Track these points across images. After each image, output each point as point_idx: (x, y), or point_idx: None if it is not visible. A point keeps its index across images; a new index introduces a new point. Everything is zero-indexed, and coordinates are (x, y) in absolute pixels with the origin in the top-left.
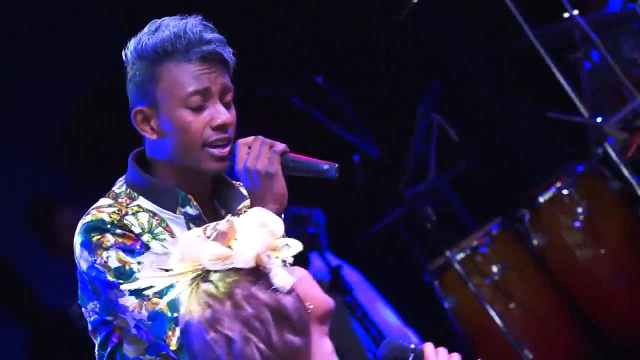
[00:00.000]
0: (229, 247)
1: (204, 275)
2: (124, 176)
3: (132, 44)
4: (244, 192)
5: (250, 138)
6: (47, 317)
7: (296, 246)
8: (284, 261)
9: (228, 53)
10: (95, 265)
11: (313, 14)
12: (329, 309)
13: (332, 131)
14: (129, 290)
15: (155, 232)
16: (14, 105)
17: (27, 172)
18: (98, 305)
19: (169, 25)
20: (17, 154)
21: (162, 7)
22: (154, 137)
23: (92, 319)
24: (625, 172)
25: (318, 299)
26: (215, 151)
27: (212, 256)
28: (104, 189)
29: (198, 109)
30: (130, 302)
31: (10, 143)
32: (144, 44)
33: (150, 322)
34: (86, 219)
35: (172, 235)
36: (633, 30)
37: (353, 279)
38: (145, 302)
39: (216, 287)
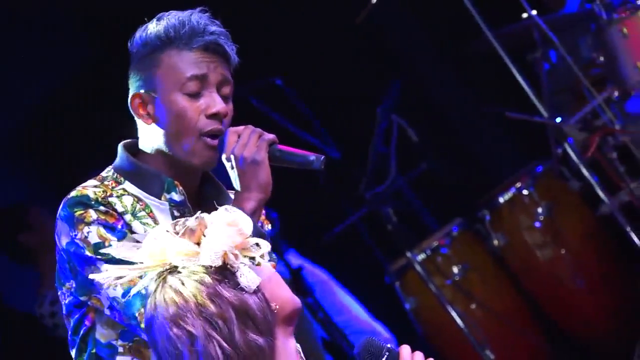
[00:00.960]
0: (197, 244)
1: (171, 271)
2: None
3: (138, 32)
4: (232, 196)
5: (241, 127)
6: (14, 318)
7: (265, 246)
8: (252, 259)
9: (231, 48)
10: (75, 240)
11: (272, 15)
12: (296, 309)
13: (291, 133)
14: (105, 266)
15: (138, 215)
16: None
17: None
18: (74, 286)
19: (176, 15)
20: None
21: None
22: (149, 122)
23: (67, 301)
24: (585, 172)
25: (285, 299)
26: (208, 140)
27: (178, 252)
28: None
29: (194, 96)
30: (106, 279)
31: None
32: (148, 31)
33: (124, 300)
34: (70, 194)
35: (155, 221)
36: (591, 31)
37: (319, 277)
38: (120, 280)
39: (182, 283)
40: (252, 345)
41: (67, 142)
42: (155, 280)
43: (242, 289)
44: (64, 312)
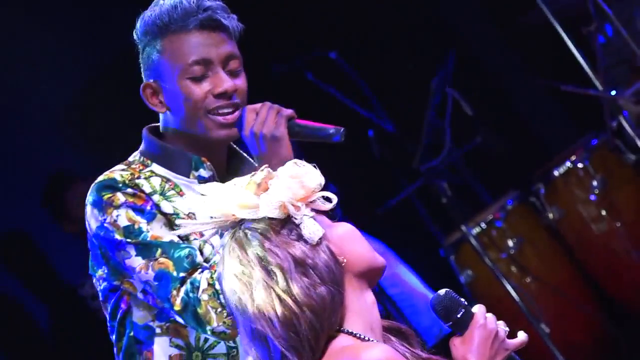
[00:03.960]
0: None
1: (240, 224)
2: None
3: (138, 22)
4: None
5: (258, 104)
6: (62, 295)
7: (334, 199)
8: (326, 212)
9: (230, 20)
10: (105, 225)
11: None
12: (373, 267)
13: (346, 106)
14: (136, 251)
15: (167, 195)
16: (27, 83)
17: (44, 150)
18: (106, 271)
19: None
20: (32, 132)
21: None
22: (163, 110)
23: (101, 287)
24: None
25: (358, 254)
26: (220, 118)
27: (240, 205)
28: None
29: (200, 79)
30: (137, 263)
31: (25, 121)
32: (146, 19)
33: (156, 283)
34: (98, 179)
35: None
36: None
37: (374, 248)
38: (151, 262)
39: (246, 235)
40: (311, 294)
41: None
42: (229, 232)
43: (305, 241)
44: (100, 298)
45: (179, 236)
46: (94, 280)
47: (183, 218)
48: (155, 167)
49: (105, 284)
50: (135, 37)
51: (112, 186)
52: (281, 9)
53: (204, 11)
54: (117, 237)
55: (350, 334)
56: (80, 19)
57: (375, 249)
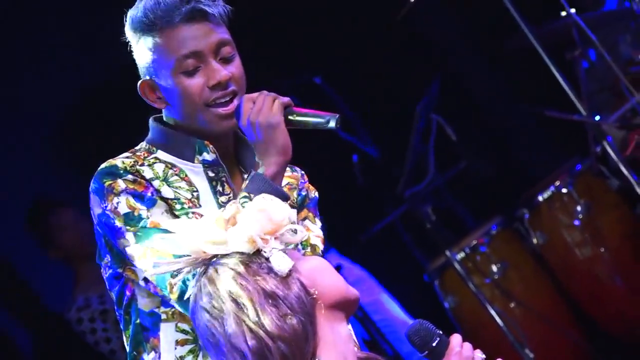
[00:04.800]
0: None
1: (211, 260)
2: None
3: (126, 21)
4: None
5: (255, 93)
6: (48, 320)
7: (301, 232)
8: (296, 246)
9: (215, 6)
10: (106, 212)
11: (311, 13)
12: (345, 298)
13: (330, 131)
14: (135, 238)
15: (170, 180)
16: (13, 107)
17: (28, 174)
18: (110, 259)
19: None
20: (17, 156)
21: None
22: (164, 105)
23: (107, 274)
24: (624, 170)
25: (329, 286)
26: (220, 110)
27: (208, 241)
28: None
29: (193, 72)
30: (136, 250)
31: (10, 145)
32: (132, 18)
33: (153, 271)
34: (101, 166)
35: (190, 184)
36: (630, 29)
37: (358, 276)
38: (148, 250)
39: (216, 271)
40: (282, 325)
41: (107, 142)
42: (199, 269)
43: (275, 274)
44: (107, 287)
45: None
46: (101, 270)
47: (183, 203)
48: (160, 154)
49: (110, 271)
50: (125, 35)
51: (113, 173)
52: (268, 34)
53: (187, 3)
54: (118, 224)
55: None
56: (65, 42)
57: (358, 275)
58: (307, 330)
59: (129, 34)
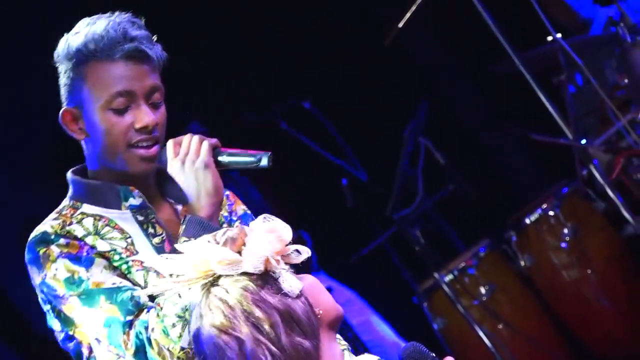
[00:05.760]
0: (239, 252)
1: (214, 280)
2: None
3: (60, 44)
4: None
5: (181, 137)
6: (36, 343)
7: (305, 252)
8: (293, 266)
9: (155, 51)
10: (46, 280)
11: (301, 39)
12: (339, 315)
13: (320, 155)
14: (80, 301)
15: (102, 233)
16: (1, 127)
17: (19, 197)
18: (59, 324)
19: (94, 24)
20: (7, 175)
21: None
22: (82, 137)
23: (60, 337)
24: (610, 193)
25: (327, 305)
26: (141, 151)
27: (222, 261)
28: None
29: (122, 111)
30: (83, 313)
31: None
32: (69, 44)
33: (105, 330)
34: (31, 235)
35: (122, 232)
36: (615, 54)
37: (347, 297)
38: (97, 311)
39: (226, 291)
40: (298, 348)
41: None
42: (201, 290)
43: (285, 294)
44: (63, 348)
45: (119, 275)
46: (54, 332)
47: (121, 253)
48: (86, 207)
49: (62, 334)
50: (55, 58)
51: (45, 240)
52: (258, 59)
53: (130, 41)
54: (60, 291)
55: None
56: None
57: (348, 297)
58: (317, 352)
59: (62, 58)
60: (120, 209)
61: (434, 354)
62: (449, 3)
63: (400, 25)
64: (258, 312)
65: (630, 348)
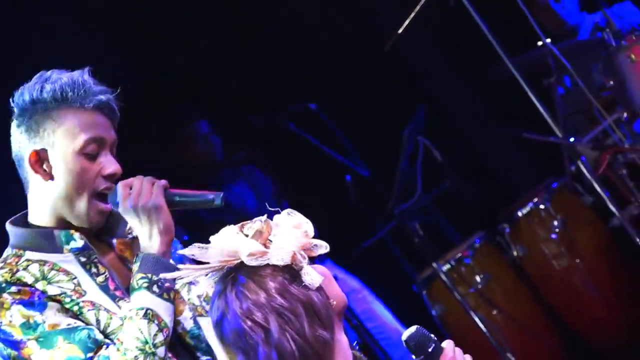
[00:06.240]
0: (265, 245)
1: (238, 269)
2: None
3: (23, 91)
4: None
5: (131, 179)
6: None
7: (324, 246)
8: (310, 259)
9: (117, 106)
10: (2, 328)
11: (309, 47)
12: (345, 305)
13: (325, 153)
14: (38, 344)
15: (49, 277)
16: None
17: (13, 212)
18: None
19: (64, 74)
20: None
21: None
22: (46, 179)
23: None
24: (597, 187)
25: (337, 295)
26: (102, 205)
27: (250, 252)
28: None
29: (93, 157)
30: (42, 355)
31: None
32: (38, 90)
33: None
34: None
35: (68, 273)
36: (602, 57)
37: (352, 286)
38: (56, 352)
39: (252, 280)
40: (319, 339)
41: None
42: (225, 278)
43: (306, 286)
44: None
45: (72, 316)
46: None
47: (71, 295)
48: (29, 254)
49: None
50: (16, 102)
51: None
52: (266, 63)
53: (102, 93)
54: (17, 336)
55: None
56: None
57: (352, 285)
58: (333, 341)
59: (24, 103)
60: (62, 252)
61: (435, 337)
62: (445, 11)
63: (400, 31)
64: (284, 302)
65: (616, 334)
